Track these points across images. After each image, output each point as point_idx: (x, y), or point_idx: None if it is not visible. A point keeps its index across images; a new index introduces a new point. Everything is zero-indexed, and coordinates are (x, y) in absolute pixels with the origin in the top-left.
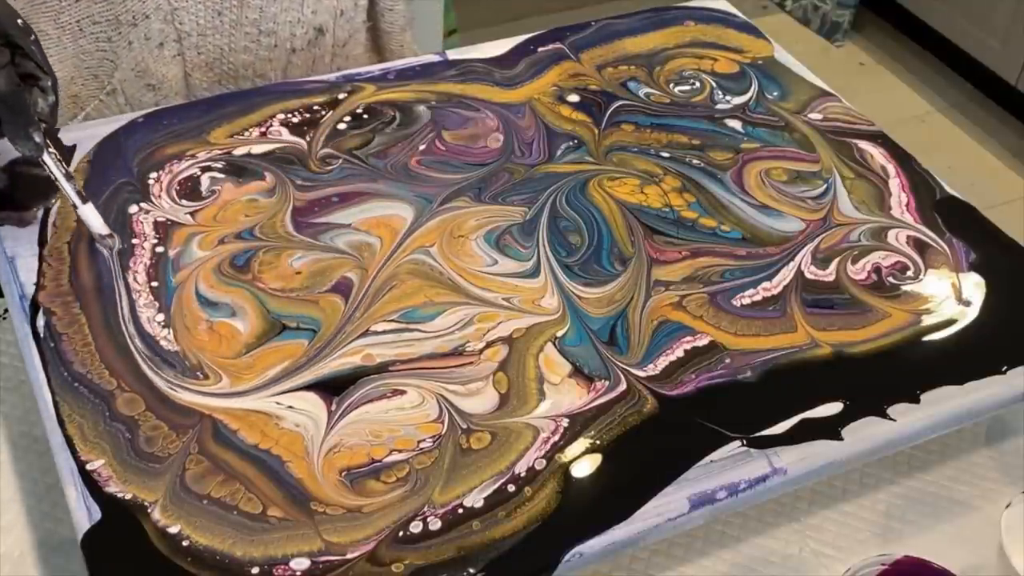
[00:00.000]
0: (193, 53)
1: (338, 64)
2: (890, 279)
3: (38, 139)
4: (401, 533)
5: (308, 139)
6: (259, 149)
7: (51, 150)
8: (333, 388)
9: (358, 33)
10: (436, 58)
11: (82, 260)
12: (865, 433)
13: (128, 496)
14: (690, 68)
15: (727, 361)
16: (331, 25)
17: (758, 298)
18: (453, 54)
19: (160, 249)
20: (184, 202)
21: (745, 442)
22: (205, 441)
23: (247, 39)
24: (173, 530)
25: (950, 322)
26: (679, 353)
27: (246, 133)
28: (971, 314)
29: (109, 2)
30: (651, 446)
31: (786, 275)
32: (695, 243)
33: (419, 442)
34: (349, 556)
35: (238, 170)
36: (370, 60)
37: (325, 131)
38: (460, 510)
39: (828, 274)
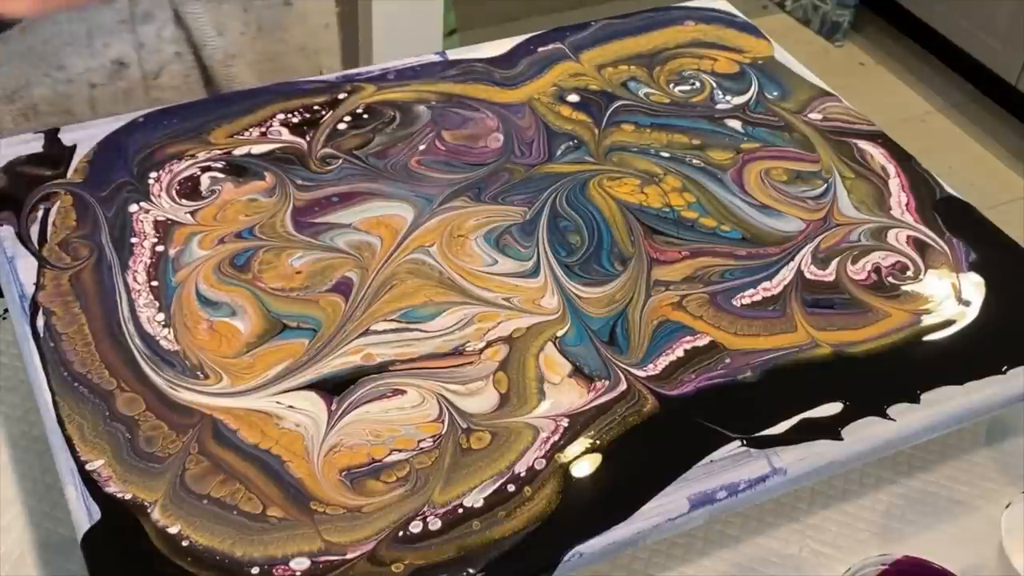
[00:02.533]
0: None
1: (155, 95)
2: (890, 279)
3: None
4: (401, 533)
5: (308, 139)
6: (259, 149)
7: None
8: (333, 388)
9: (171, 65)
10: (436, 58)
11: (82, 260)
12: (865, 433)
13: (128, 496)
14: (690, 68)
15: (727, 361)
16: (134, 57)
17: (758, 298)
18: (453, 54)
19: (160, 248)
20: (184, 202)
21: (745, 442)
22: (205, 441)
23: (39, 72)
24: (173, 530)
25: (950, 322)
26: (679, 353)
27: (246, 133)
28: (971, 314)
29: None
30: (651, 446)
31: (786, 275)
32: (695, 243)
33: (419, 442)
34: (349, 556)
35: (238, 170)
36: (205, 89)
37: (325, 131)
38: (460, 510)
39: (828, 274)
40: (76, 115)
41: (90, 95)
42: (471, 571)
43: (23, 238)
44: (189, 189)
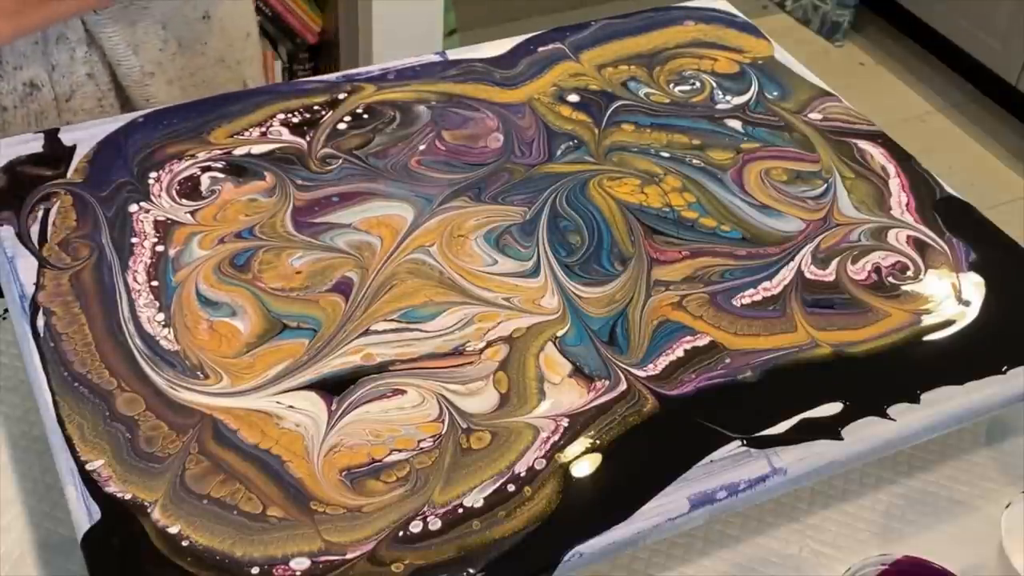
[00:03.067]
0: None
1: (67, 119)
2: (890, 279)
3: None
4: (401, 533)
5: (308, 139)
6: (259, 149)
7: None
8: (333, 388)
9: (84, 87)
10: (436, 58)
11: (82, 260)
12: (865, 433)
13: (128, 496)
14: (690, 68)
15: (727, 361)
16: (46, 79)
17: (758, 298)
18: (453, 54)
19: (160, 248)
20: (184, 201)
21: (745, 442)
22: (205, 441)
23: None
24: (173, 530)
25: (950, 322)
26: (679, 353)
27: (246, 133)
28: (971, 314)
29: None
30: (651, 446)
31: (786, 275)
32: (695, 243)
33: (419, 442)
34: (349, 556)
35: (238, 170)
36: (119, 112)
37: (325, 131)
38: (460, 510)
39: (828, 274)
40: None
41: (1, 119)
42: (471, 571)
43: (23, 238)
44: (189, 189)
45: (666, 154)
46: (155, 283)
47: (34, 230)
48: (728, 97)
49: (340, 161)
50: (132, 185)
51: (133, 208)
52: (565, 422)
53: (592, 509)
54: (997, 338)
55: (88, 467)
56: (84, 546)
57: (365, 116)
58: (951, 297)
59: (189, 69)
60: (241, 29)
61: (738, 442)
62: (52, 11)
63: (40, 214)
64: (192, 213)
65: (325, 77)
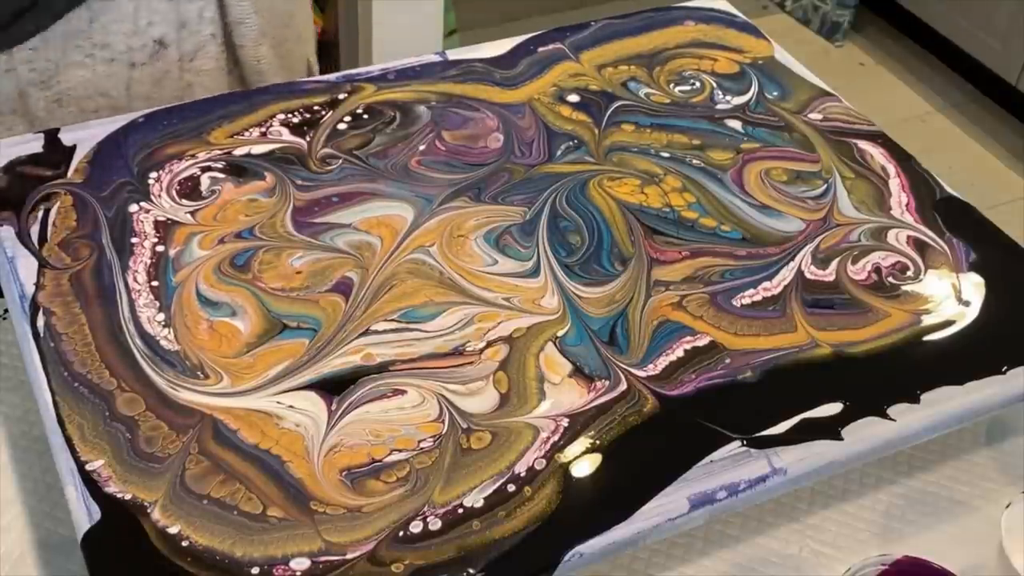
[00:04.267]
0: (25, 69)
1: (188, 80)
2: (890, 279)
3: None
4: (401, 533)
5: (308, 139)
6: (259, 149)
7: None
8: (333, 388)
9: (207, 46)
10: (436, 58)
11: (82, 260)
12: (865, 433)
13: (128, 496)
14: (690, 68)
15: (727, 361)
16: (174, 37)
17: (758, 298)
18: (453, 54)
19: (160, 248)
20: (184, 202)
21: (745, 442)
22: (205, 441)
23: (80, 53)
24: (173, 530)
25: (950, 322)
26: (679, 353)
27: (246, 133)
28: (971, 314)
29: None
30: (651, 446)
31: (786, 275)
32: (695, 243)
33: (419, 442)
34: (349, 556)
35: (238, 170)
36: (228, 76)
37: (325, 131)
38: (460, 510)
39: (828, 274)
40: (112, 98)
41: (129, 76)
42: (471, 571)
43: (23, 238)
44: (189, 189)
45: (666, 154)
46: (155, 283)
47: (34, 230)
48: (728, 97)
49: (340, 161)
50: (132, 185)
51: (133, 208)
52: (565, 422)
53: (592, 509)
54: (997, 338)
55: (88, 467)
56: (84, 546)
57: (365, 116)
58: (951, 297)
59: (279, 39)
60: (307, 15)
61: (738, 442)
62: None
63: (40, 214)
64: (192, 213)
65: (325, 77)
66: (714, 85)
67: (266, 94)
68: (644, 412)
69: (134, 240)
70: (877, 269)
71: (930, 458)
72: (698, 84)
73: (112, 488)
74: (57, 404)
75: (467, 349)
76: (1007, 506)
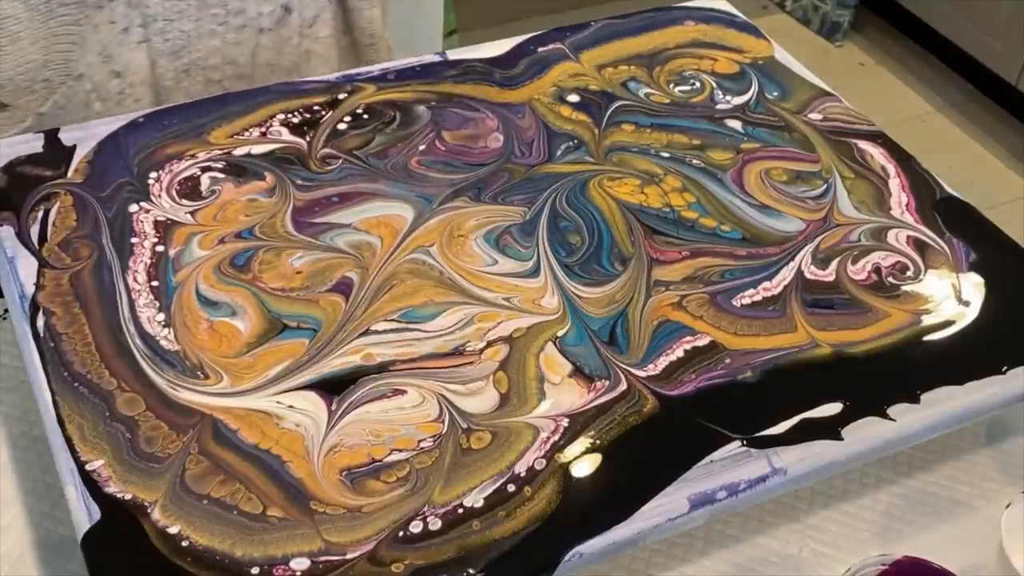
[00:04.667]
0: (159, 39)
1: (306, 46)
2: (890, 279)
3: None
4: (401, 533)
5: (308, 139)
6: (259, 149)
7: None
8: (333, 387)
9: (325, 11)
10: (436, 58)
11: (82, 260)
12: (865, 433)
13: (128, 496)
14: (690, 68)
15: (727, 361)
16: (296, 3)
17: (758, 298)
18: (453, 54)
19: (160, 248)
20: (184, 202)
21: (745, 442)
22: (205, 441)
23: (214, 21)
24: (173, 530)
25: (950, 322)
26: (679, 353)
27: (246, 133)
28: (971, 314)
29: None
30: (651, 446)
31: (786, 275)
32: (695, 243)
33: (419, 442)
34: (349, 556)
35: (238, 170)
36: (338, 43)
37: (325, 131)
38: (460, 510)
39: (828, 274)
40: (239, 67)
41: (256, 43)
42: (471, 571)
43: (23, 238)
44: (189, 189)
45: (666, 154)
46: (155, 283)
47: (34, 230)
48: (728, 97)
49: (340, 161)
50: (132, 185)
51: (133, 208)
52: (565, 422)
53: (592, 509)
54: (997, 338)
55: (88, 467)
56: (84, 546)
57: (365, 116)
58: (951, 297)
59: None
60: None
61: (738, 442)
62: None
63: (40, 214)
64: (192, 213)
65: (325, 77)
66: (714, 85)
67: (266, 94)
68: (644, 412)
69: (134, 240)
70: (877, 269)
71: (930, 458)
72: (698, 84)
73: (112, 488)
74: (57, 404)
75: (467, 349)
76: (1007, 506)
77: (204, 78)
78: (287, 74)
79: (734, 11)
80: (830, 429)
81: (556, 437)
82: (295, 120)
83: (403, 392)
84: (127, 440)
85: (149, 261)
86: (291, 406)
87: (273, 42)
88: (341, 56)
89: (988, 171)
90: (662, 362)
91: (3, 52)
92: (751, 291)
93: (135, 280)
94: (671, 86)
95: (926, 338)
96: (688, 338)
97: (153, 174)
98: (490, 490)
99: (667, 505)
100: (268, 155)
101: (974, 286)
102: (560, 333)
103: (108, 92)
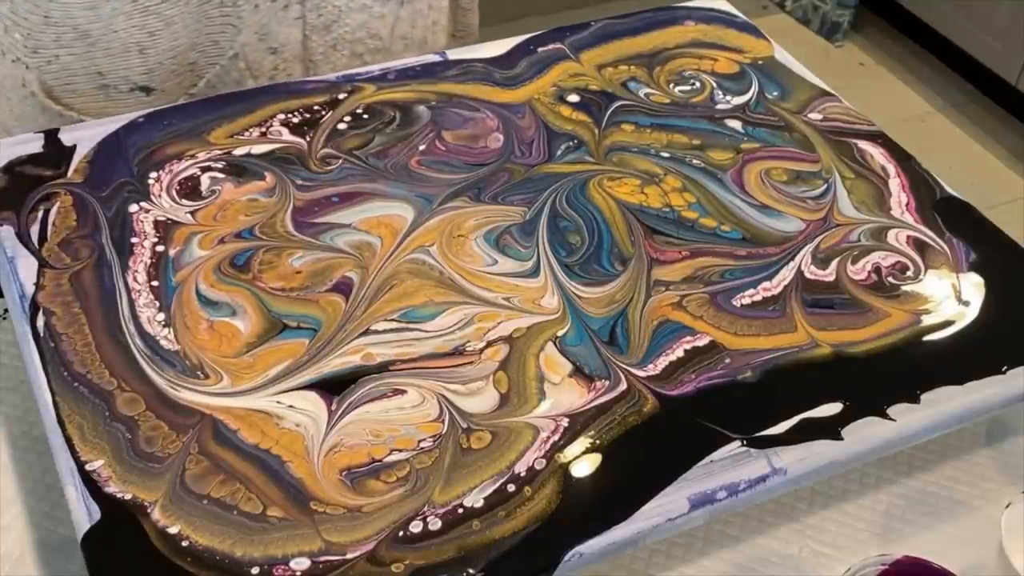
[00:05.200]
0: (314, 15)
1: (433, 18)
2: (890, 279)
3: None
4: (401, 533)
5: (308, 139)
6: (259, 149)
7: None
8: (333, 387)
9: None
10: (436, 58)
11: (82, 260)
12: (865, 433)
13: (128, 496)
14: (690, 68)
15: (727, 361)
16: None
17: (758, 298)
18: (453, 54)
19: (160, 248)
20: (184, 202)
21: (745, 442)
22: (205, 441)
23: None
24: (173, 530)
25: (950, 322)
26: (679, 353)
27: (246, 133)
28: (971, 314)
29: None
30: (651, 446)
31: (786, 275)
32: (695, 243)
33: (419, 442)
34: (349, 556)
35: (238, 170)
36: (452, 10)
37: (325, 131)
38: (460, 510)
39: (828, 274)
40: (380, 40)
41: (396, 16)
42: (471, 571)
43: (23, 238)
44: (189, 189)
45: (666, 154)
46: (155, 283)
47: (34, 230)
48: (728, 97)
49: (340, 161)
50: (132, 185)
51: (133, 208)
52: (565, 422)
53: (592, 509)
54: (997, 338)
55: (88, 467)
56: (84, 546)
57: (365, 116)
58: (951, 297)
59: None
60: None
61: (738, 442)
62: None
63: (40, 214)
64: (192, 213)
65: (325, 77)
66: (714, 85)
67: (266, 94)
68: (644, 412)
69: (134, 240)
70: (877, 269)
71: (930, 458)
72: (698, 84)
73: (112, 488)
74: (57, 404)
75: (467, 349)
76: (1007, 506)
77: (350, 51)
78: (418, 48)
79: (734, 11)
80: (830, 429)
81: (556, 437)
82: (295, 120)
83: (403, 392)
84: (127, 440)
85: (149, 261)
86: (291, 406)
87: (409, 14)
88: (449, 22)
89: (988, 171)
90: (662, 362)
91: (156, 37)
92: (751, 291)
93: (135, 280)
94: (671, 86)
95: (926, 338)
96: (688, 338)
97: (153, 174)
98: (490, 490)
99: (667, 505)
100: (268, 155)
101: (974, 286)
102: (560, 333)
103: (262, 69)
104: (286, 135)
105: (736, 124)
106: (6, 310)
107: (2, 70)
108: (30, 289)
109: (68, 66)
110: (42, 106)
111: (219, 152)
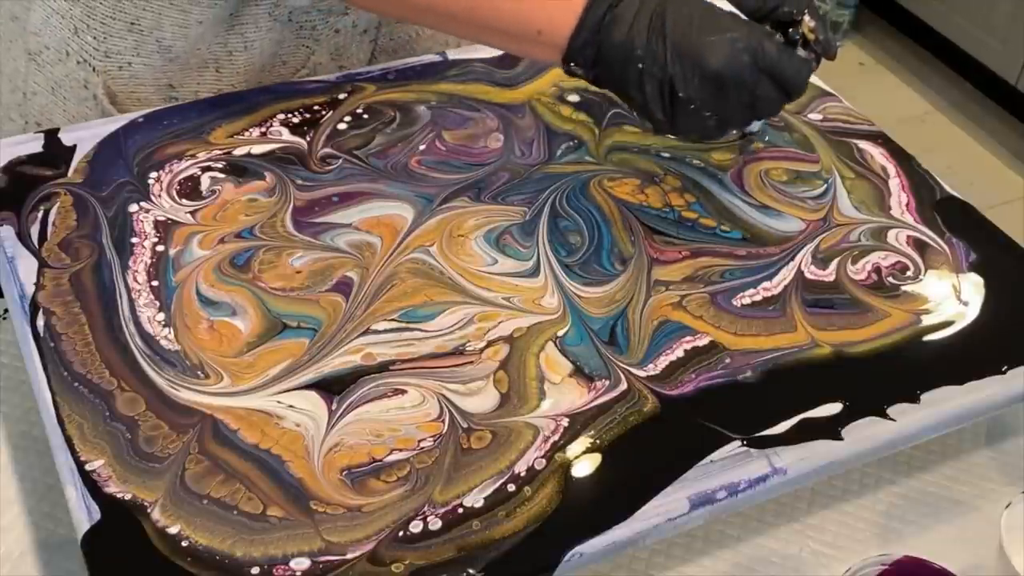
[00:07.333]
0: (386, 39)
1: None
2: (890, 279)
3: None
4: (401, 533)
5: (308, 139)
6: (259, 149)
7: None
8: (333, 387)
9: None
10: (436, 58)
11: (82, 260)
12: (865, 433)
13: (128, 496)
14: None
15: (727, 361)
16: None
17: (758, 298)
18: (453, 54)
19: (160, 248)
20: (184, 201)
21: (745, 442)
22: (205, 441)
23: None
24: (173, 530)
25: (950, 322)
26: (679, 353)
27: (246, 133)
28: (971, 314)
29: None
30: (651, 446)
31: (786, 275)
32: (695, 243)
33: (419, 441)
34: (349, 556)
35: (238, 170)
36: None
37: (325, 131)
38: (460, 510)
39: (828, 274)
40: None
41: (456, 43)
42: (471, 571)
43: (23, 238)
44: (189, 189)
45: (666, 154)
46: (155, 283)
47: (34, 230)
48: None
49: (340, 161)
50: (132, 185)
51: (133, 208)
52: (565, 422)
53: (592, 509)
54: (997, 338)
55: (88, 467)
56: (84, 546)
57: (365, 116)
58: (951, 297)
59: None
60: None
61: (738, 442)
62: None
63: (40, 214)
64: (192, 213)
65: (325, 77)
66: None
67: (266, 94)
68: (644, 412)
69: (134, 240)
70: (877, 269)
71: (930, 458)
72: None
73: (112, 488)
74: (57, 404)
75: (467, 349)
76: (1007, 506)
77: (421, 26)
78: None
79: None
80: (830, 429)
81: (556, 437)
82: (295, 120)
83: (403, 392)
84: (127, 440)
85: (149, 261)
86: (291, 406)
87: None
88: None
89: (988, 171)
90: (662, 362)
91: (233, 56)
92: (751, 291)
93: (135, 280)
94: None
95: (926, 338)
96: (688, 338)
97: (153, 174)
98: (490, 490)
99: (667, 505)
100: (268, 155)
101: (974, 286)
102: (560, 333)
103: None
104: (286, 135)
105: None
106: (6, 310)
107: (63, 70)
108: (30, 289)
109: (138, 74)
110: (102, 110)
111: (219, 152)
